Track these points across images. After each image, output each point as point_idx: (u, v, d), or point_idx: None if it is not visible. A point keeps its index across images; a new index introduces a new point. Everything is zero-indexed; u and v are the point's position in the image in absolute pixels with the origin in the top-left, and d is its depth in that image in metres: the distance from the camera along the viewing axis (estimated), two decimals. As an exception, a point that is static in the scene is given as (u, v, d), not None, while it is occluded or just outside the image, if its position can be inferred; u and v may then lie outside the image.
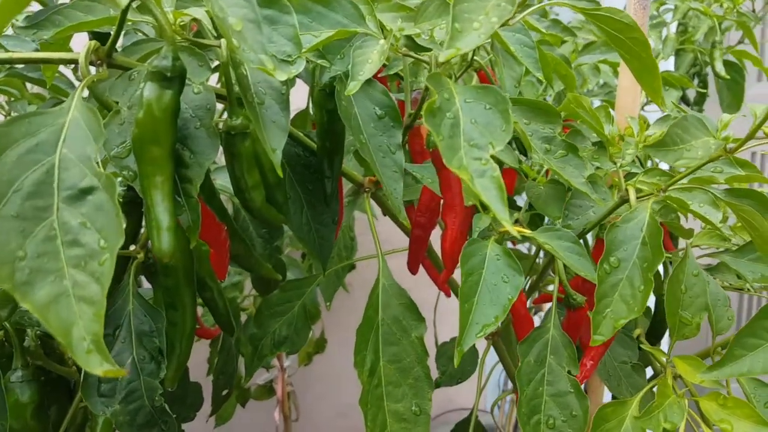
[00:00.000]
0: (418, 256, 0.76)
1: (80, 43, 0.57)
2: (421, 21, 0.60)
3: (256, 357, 0.92)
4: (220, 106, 0.86)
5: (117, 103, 0.56)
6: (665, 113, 1.06)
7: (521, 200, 1.21)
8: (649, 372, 0.86)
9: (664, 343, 0.95)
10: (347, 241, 1.30)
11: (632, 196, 0.68)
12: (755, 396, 0.67)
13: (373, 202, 0.81)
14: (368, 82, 0.62)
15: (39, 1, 0.83)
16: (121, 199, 0.75)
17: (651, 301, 0.65)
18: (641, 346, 0.73)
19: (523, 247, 1.41)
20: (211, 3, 0.45)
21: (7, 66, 0.82)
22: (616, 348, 0.83)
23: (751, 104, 0.57)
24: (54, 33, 0.59)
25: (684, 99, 1.66)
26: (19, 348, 0.74)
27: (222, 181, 0.89)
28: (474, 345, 0.61)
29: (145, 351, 0.73)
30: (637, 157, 0.87)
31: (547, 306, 1.10)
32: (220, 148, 0.59)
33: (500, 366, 1.02)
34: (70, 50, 0.66)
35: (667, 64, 1.75)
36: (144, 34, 0.78)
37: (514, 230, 0.42)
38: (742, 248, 0.86)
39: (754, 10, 1.62)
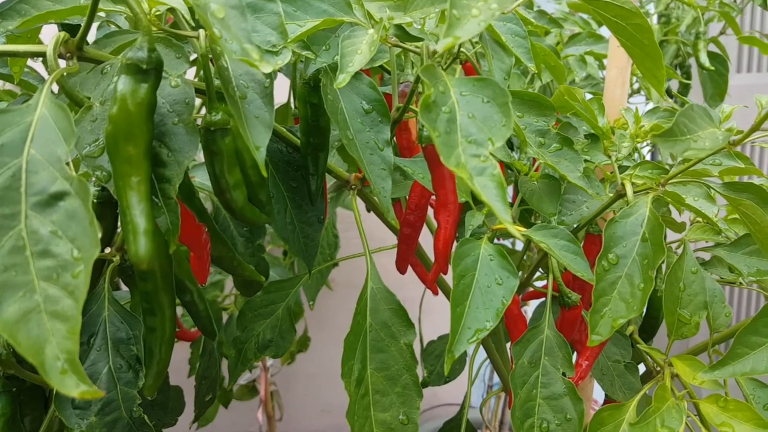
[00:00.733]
0: (408, 255, 0.73)
1: (52, 36, 0.54)
2: (411, 10, 0.57)
3: (240, 361, 0.89)
4: (198, 101, 0.83)
5: (89, 98, 0.53)
6: (655, 105, 1.04)
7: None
8: (640, 368, 0.85)
9: (656, 340, 0.94)
10: (330, 238, 1.27)
11: (629, 190, 0.66)
12: (754, 397, 0.65)
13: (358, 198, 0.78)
14: (355, 74, 0.59)
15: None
16: (95, 200, 0.71)
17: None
18: (638, 346, 0.71)
19: (506, 241, 1.39)
20: (190, -11, 0.41)
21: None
22: (609, 346, 0.81)
23: (757, 95, 0.55)
24: (20, 23, 0.55)
25: (666, 90, 1.65)
26: (-11, 358, 0.71)
27: (201, 178, 0.86)
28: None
29: (122, 359, 0.70)
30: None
31: (533, 302, 1.08)
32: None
33: (487, 361, 1.01)
34: (40, 43, 0.63)
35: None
36: (117, 26, 0.74)
37: (516, 231, 0.40)
38: (737, 242, 0.85)
39: (735, 0, 1.62)
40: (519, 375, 0.66)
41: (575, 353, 0.76)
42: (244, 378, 1.79)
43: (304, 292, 1.40)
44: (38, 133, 0.42)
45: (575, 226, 0.73)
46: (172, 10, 0.55)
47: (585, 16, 1.39)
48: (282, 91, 1.02)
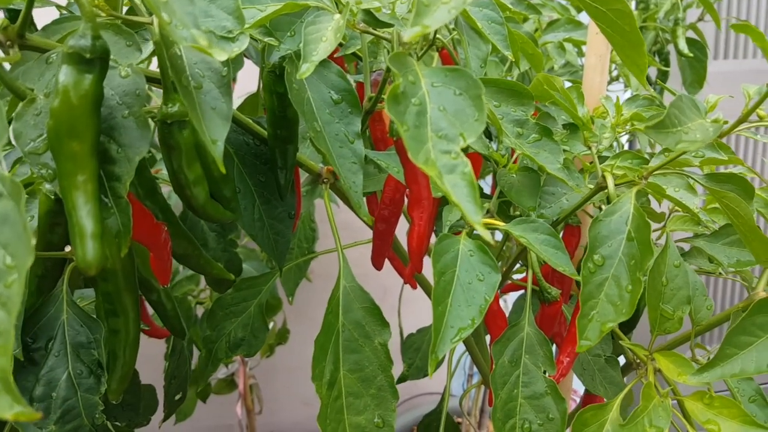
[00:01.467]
0: (383, 251, 0.70)
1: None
2: (380, -7, 0.53)
3: (210, 361, 0.85)
4: (159, 93, 0.78)
5: (32, 90, 0.49)
6: (634, 93, 1.02)
7: (485, 184, 1.16)
8: (621, 360, 0.83)
9: (636, 331, 0.92)
10: (308, 231, 1.24)
11: (610, 183, 0.63)
12: (739, 390, 0.64)
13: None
14: (323, 62, 0.56)
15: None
16: (52, 196, 0.67)
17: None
18: (620, 342, 0.69)
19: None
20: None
21: None
22: (590, 340, 0.79)
23: (744, 84, 0.53)
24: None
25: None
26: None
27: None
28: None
29: (82, 365, 0.67)
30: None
31: (511, 294, 1.06)
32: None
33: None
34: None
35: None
36: (71, 12, 0.70)
37: (486, 233, 0.37)
38: (717, 233, 0.83)
39: (714, -14, 1.60)
40: (500, 375, 0.64)
41: (553, 345, 0.74)
42: (222, 372, 1.76)
43: (282, 287, 1.37)
44: (-32, 130, 0.38)
45: (555, 219, 0.70)
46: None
47: (564, 1, 1.36)
48: (253, 79, 0.98)
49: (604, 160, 0.78)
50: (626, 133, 0.85)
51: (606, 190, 0.66)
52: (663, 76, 1.62)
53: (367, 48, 0.68)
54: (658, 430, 0.54)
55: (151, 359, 1.08)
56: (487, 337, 0.88)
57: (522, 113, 0.62)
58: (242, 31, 0.43)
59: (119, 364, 0.70)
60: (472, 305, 0.54)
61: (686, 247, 0.89)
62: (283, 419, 2.04)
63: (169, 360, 1.00)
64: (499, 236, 1.30)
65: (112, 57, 0.46)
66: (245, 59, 1.00)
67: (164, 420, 1.05)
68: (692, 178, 0.64)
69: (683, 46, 1.50)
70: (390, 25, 0.55)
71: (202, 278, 1.47)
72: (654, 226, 0.86)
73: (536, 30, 1.25)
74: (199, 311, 1.45)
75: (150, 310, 0.84)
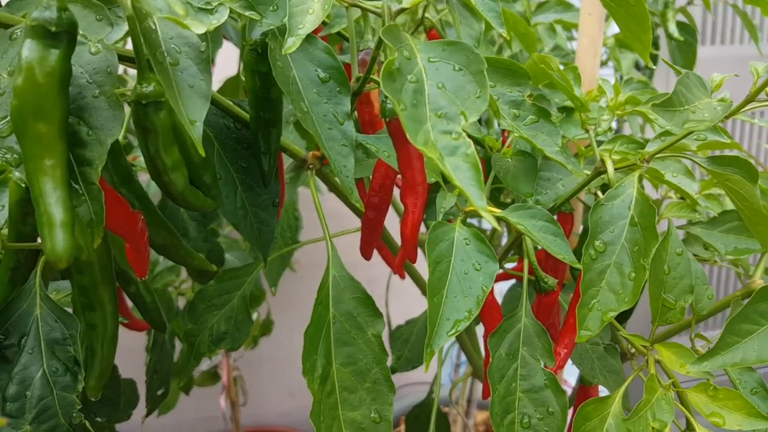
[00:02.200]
0: (373, 240, 0.67)
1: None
2: (371, -37, 0.50)
3: (192, 356, 0.82)
4: (133, 72, 0.74)
5: (-5, 68, 0.45)
6: (625, 77, 0.99)
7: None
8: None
9: (631, 320, 0.90)
10: (291, 220, 1.21)
11: (609, 167, 0.61)
12: (741, 381, 0.62)
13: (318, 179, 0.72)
14: (308, 38, 0.52)
15: None
16: (24, 184, 0.64)
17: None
18: (619, 333, 0.67)
19: (473, 219, 1.34)
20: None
21: None
22: (586, 329, 0.77)
23: (752, 62, 0.50)
24: None
25: (635, 63, 1.61)
26: None
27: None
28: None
29: (57, 362, 0.64)
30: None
31: (504, 283, 1.03)
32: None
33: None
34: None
35: (617, 27, 1.70)
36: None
37: (492, 219, 0.34)
38: (714, 219, 0.81)
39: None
40: (497, 368, 0.61)
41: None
42: (206, 363, 1.73)
43: (265, 277, 1.34)
44: None
45: (551, 205, 0.68)
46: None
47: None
48: (233, 61, 0.94)
49: (599, 145, 0.75)
50: (617, 118, 0.83)
51: (604, 175, 0.64)
52: (653, 59, 1.60)
53: (353, 27, 0.65)
54: (662, 424, 0.52)
55: (130, 352, 1.05)
56: (479, 328, 0.86)
57: (518, 94, 0.59)
58: (221, 2, 0.40)
59: (97, 360, 0.67)
60: (468, 296, 0.52)
61: (680, 234, 0.87)
62: (268, 411, 2.01)
63: (151, 354, 0.97)
64: (486, 225, 1.28)
65: (80, 32, 0.43)
66: (225, 41, 0.96)
67: (147, 415, 1.02)
68: (695, 162, 0.62)
69: (673, 29, 1.48)
70: (380, -1, 0.51)
71: (184, 269, 1.43)
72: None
73: (525, 11, 1.22)
74: (181, 303, 1.41)
75: (130, 303, 0.81)
